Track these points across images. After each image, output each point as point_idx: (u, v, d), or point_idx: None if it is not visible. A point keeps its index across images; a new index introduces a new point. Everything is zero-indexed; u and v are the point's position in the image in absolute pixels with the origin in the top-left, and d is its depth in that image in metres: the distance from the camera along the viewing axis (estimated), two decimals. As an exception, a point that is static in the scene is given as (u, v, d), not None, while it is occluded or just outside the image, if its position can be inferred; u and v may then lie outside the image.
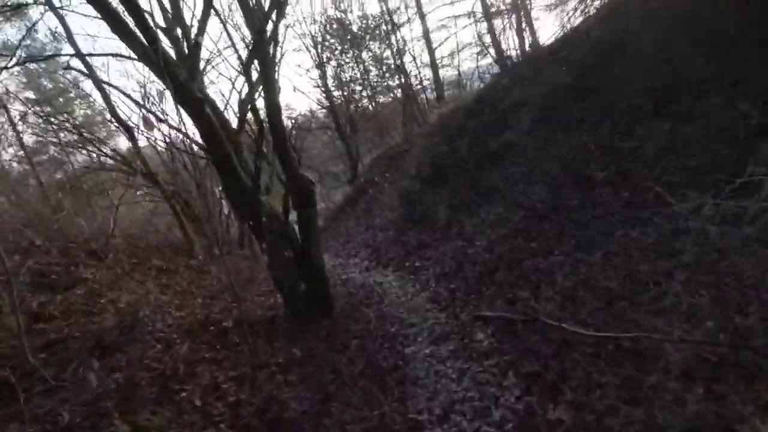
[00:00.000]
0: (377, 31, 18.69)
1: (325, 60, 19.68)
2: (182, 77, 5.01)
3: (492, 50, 12.78)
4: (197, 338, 4.97)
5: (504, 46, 12.34)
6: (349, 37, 18.83)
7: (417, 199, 9.05)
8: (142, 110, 7.52)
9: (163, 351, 4.51)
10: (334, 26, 19.06)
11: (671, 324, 2.82)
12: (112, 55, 6.67)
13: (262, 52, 5.61)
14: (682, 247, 3.37)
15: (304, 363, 4.87)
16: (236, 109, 6.53)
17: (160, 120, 7.74)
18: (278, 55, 6.96)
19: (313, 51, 19.23)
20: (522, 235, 5.37)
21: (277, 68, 6.66)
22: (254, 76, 6.48)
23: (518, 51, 11.96)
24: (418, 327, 5.13)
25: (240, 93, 6.71)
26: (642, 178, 4.35)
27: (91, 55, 10.05)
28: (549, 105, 6.48)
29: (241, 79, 7.52)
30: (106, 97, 9.61)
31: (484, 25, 13.92)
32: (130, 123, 10.12)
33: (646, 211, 4.05)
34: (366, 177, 14.94)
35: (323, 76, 19.88)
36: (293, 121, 21.00)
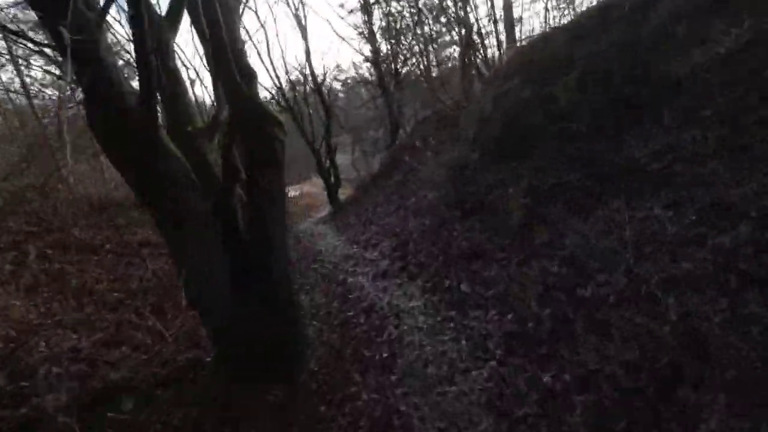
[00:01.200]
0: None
1: (372, 1, 16.06)
2: None
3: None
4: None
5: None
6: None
7: (472, 177, 5.66)
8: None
9: None
10: (388, -38, 15.28)
11: None
12: None
13: None
14: None
15: None
16: None
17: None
18: None
19: (359, -13, 15.70)
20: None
21: None
22: None
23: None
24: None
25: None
26: None
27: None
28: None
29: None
30: None
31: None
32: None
33: None
34: (404, 142, 11.57)
35: (368, 22, 16.31)
36: (341, 82, 17.74)
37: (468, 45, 11.46)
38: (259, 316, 3.20)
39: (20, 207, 4.96)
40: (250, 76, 2.96)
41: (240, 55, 2.89)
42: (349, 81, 19.13)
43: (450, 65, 18.02)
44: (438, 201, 6.33)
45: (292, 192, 16.11)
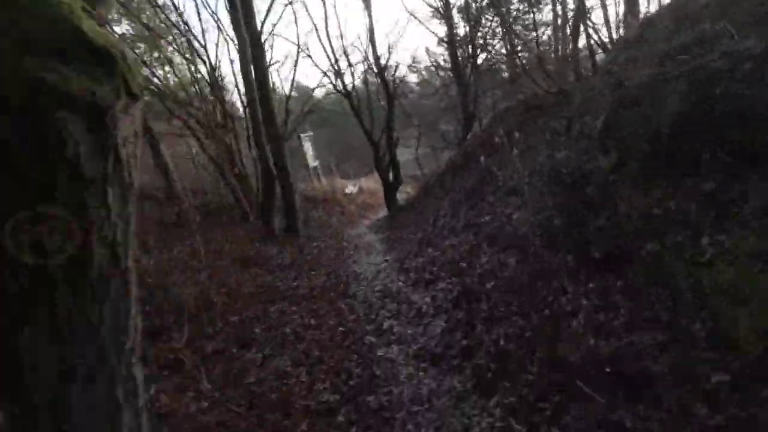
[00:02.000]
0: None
1: (450, -24, 13.34)
2: None
3: None
4: None
5: None
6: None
7: (604, 199, 3.11)
8: None
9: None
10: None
11: None
12: None
13: None
14: None
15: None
16: None
17: None
18: None
19: (435, -39, 13.12)
20: None
21: None
22: None
23: None
24: None
25: None
26: None
27: None
28: None
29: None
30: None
31: None
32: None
33: None
34: (480, 136, 9.01)
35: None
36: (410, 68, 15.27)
37: (579, 10, 8.43)
38: None
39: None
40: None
41: None
42: (420, 68, 16.71)
43: (540, 48, 14.87)
44: (531, 229, 3.87)
45: (349, 188, 14.20)
